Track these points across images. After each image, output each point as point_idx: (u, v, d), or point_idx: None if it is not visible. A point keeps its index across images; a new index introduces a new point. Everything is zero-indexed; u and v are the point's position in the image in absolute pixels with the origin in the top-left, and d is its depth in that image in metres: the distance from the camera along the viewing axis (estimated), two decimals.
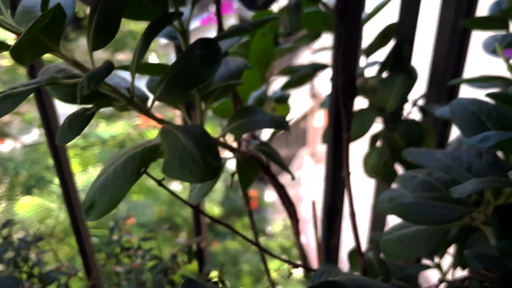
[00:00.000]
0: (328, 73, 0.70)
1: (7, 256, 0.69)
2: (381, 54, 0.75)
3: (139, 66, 0.42)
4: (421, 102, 0.77)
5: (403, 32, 0.70)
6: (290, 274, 0.48)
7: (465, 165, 0.44)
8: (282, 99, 0.68)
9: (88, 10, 0.39)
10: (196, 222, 0.78)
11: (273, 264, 3.45)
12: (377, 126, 0.75)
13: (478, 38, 0.67)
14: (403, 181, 0.49)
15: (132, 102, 0.40)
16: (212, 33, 0.59)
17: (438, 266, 0.58)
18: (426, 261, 0.59)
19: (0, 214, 1.60)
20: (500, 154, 0.46)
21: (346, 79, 0.52)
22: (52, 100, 0.69)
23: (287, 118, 0.48)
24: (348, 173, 0.51)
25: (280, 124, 0.46)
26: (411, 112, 0.74)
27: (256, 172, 0.50)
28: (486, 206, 0.45)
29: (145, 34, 0.39)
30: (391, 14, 0.74)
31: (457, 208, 0.43)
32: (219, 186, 2.29)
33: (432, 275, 1.03)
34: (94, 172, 1.70)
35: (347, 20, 0.52)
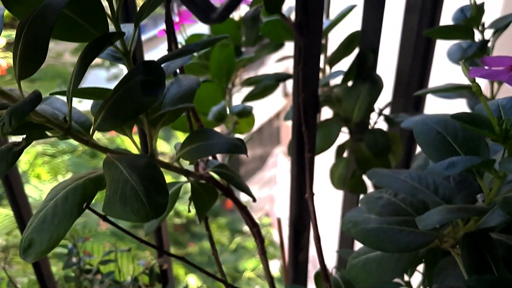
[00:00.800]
0: None
1: None
2: (346, 62, 0.71)
3: (77, 91, 0.38)
4: (387, 111, 0.74)
5: (366, 40, 0.67)
6: None
7: (431, 187, 0.41)
8: (244, 113, 0.64)
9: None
10: (159, 240, 0.73)
11: (249, 264, 3.42)
12: (343, 135, 0.72)
13: (443, 43, 0.64)
14: (368, 203, 0.45)
15: (70, 132, 0.36)
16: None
17: (408, 285, 0.55)
18: (396, 279, 0.56)
19: None
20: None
21: (307, 95, 0.48)
22: None
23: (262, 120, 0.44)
24: (312, 194, 0.47)
25: (236, 147, 0.42)
26: (377, 122, 0.71)
27: (213, 198, 0.46)
28: (455, 229, 0.42)
29: (82, 57, 0.35)
30: (356, 20, 0.71)
31: (424, 233, 0.39)
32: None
33: None
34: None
35: (307, 33, 0.48)
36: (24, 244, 0.37)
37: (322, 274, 0.46)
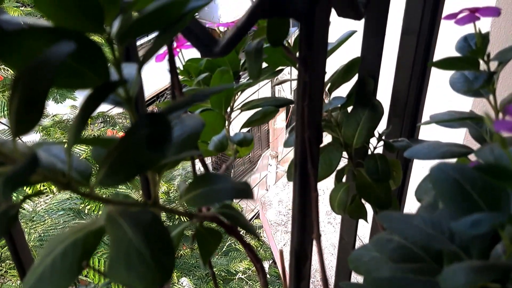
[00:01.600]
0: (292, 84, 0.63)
1: None
2: (345, 87, 0.69)
3: (78, 141, 0.35)
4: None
5: (366, 67, 0.64)
6: None
7: (447, 233, 0.38)
8: (245, 142, 0.61)
9: None
10: None
11: (241, 265, 3.39)
12: (341, 159, 0.69)
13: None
14: (377, 245, 0.43)
15: (69, 186, 0.33)
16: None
17: None
18: None
19: None
20: None
21: (313, 132, 0.45)
22: None
23: None
24: (319, 236, 0.45)
25: (243, 193, 0.39)
26: (377, 148, 0.68)
27: (217, 241, 0.43)
28: None
29: (83, 107, 0.32)
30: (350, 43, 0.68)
31: None
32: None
33: None
34: (58, 194, 1.58)
35: (312, 68, 0.45)
36: None
37: None
